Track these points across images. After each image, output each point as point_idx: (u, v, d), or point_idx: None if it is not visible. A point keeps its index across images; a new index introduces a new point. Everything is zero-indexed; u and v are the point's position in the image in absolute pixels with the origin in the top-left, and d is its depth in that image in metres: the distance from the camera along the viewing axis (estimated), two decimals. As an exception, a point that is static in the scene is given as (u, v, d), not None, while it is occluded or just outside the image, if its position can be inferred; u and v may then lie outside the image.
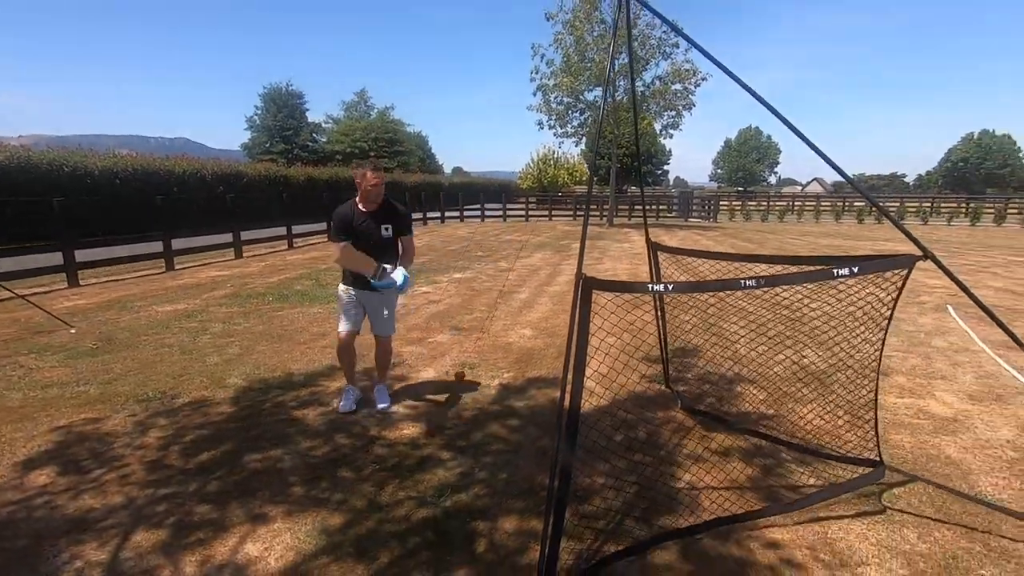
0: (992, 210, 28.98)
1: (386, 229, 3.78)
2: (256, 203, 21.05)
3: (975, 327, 6.25)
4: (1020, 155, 74.87)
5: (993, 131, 75.41)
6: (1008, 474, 3.14)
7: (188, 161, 21.71)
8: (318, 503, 2.83)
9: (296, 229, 15.31)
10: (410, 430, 3.70)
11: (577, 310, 2.13)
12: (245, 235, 13.22)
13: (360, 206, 3.74)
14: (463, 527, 2.63)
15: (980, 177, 73.45)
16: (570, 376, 2.13)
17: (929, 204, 32.54)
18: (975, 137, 76.13)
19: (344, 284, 3.92)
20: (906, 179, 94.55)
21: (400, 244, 3.91)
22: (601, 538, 2.54)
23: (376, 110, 60.06)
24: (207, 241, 12.33)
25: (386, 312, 3.98)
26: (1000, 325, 2.54)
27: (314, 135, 51.58)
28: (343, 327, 3.93)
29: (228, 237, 12.77)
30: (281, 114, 48.22)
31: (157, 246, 10.82)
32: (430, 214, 24.61)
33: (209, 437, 3.57)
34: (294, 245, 14.98)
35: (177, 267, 10.98)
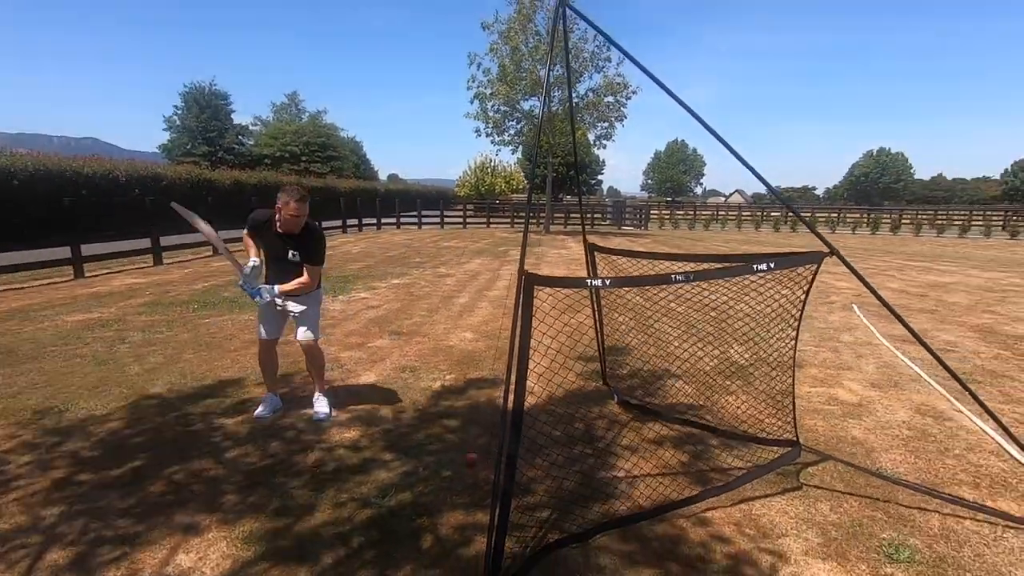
0: (889, 220, 31.92)
1: (293, 255, 3.69)
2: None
3: (876, 323, 6.88)
4: (912, 171, 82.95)
5: (889, 149, 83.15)
6: (904, 451, 3.49)
7: (99, 162, 20.10)
8: (255, 509, 2.73)
9: (222, 235, 14.54)
10: (350, 433, 3.64)
11: (520, 304, 2.20)
12: (165, 241, 12.44)
13: (277, 224, 3.62)
14: (408, 525, 2.62)
15: (879, 190, 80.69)
16: (514, 372, 2.19)
17: (836, 214, 35.44)
18: (874, 154, 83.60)
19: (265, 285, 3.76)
20: (816, 191, 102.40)
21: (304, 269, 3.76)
22: (545, 527, 2.61)
23: (308, 114, 58.34)
24: (122, 247, 11.50)
25: (304, 317, 3.84)
26: (898, 318, 2.84)
27: (240, 137, 49.27)
28: (260, 332, 3.89)
29: (146, 243, 11.97)
30: (204, 115, 45.72)
31: (64, 252, 9.98)
32: (366, 220, 24.11)
33: (131, 449, 3.35)
34: (220, 251, 14.24)
35: (88, 275, 10.16)
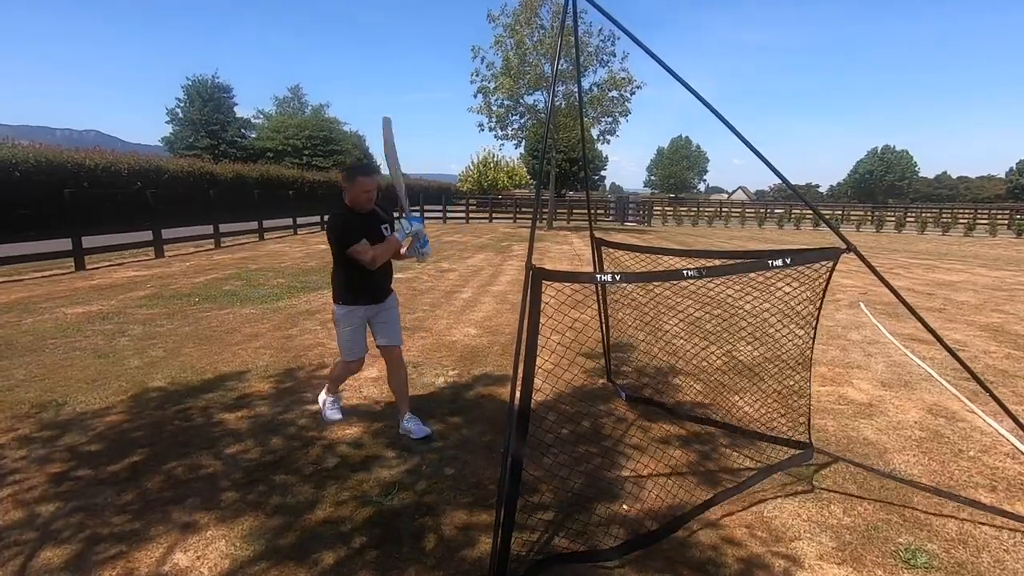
0: (893, 218, 31.74)
1: (385, 229, 3.41)
2: (180, 200, 19.80)
3: (884, 322, 6.80)
4: (916, 169, 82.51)
5: (894, 147, 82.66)
6: (917, 452, 3.42)
7: (101, 154, 20.04)
8: (254, 507, 2.67)
9: (224, 228, 14.52)
10: (352, 430, 3.57)
11: (528, 299, 2.13)
12: (167, 233, 12.40)
13: (357, 211, 3.33)
14: (410, 524, 2.56)
15: (883, 188, 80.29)
16: (521, 366, 2.12)
17: (840, 212, 35.26)
18: (879, 152, 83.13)
19: (347, 305, 3.38)
20: (820, 189, 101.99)
21: None
22: (551, 529, 2.55)
23: (311, 107, 58.15)
24: (124, 239, 11.44)
25: (390, 317, 3.52)
26: (917, 317, 2.76)
27: (243, 131, 49.12)
28: (356, 354, 3.46)
29: (148, 235, 11.92)
30: (207, 108, 45.55)
31: (65, 244, 9.93)
32: (368, 215, 23.99)
33: (128, 444, 3.29)
34: (222, 244, 14.20)
35: (89, 267, 10.12)
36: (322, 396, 3.80)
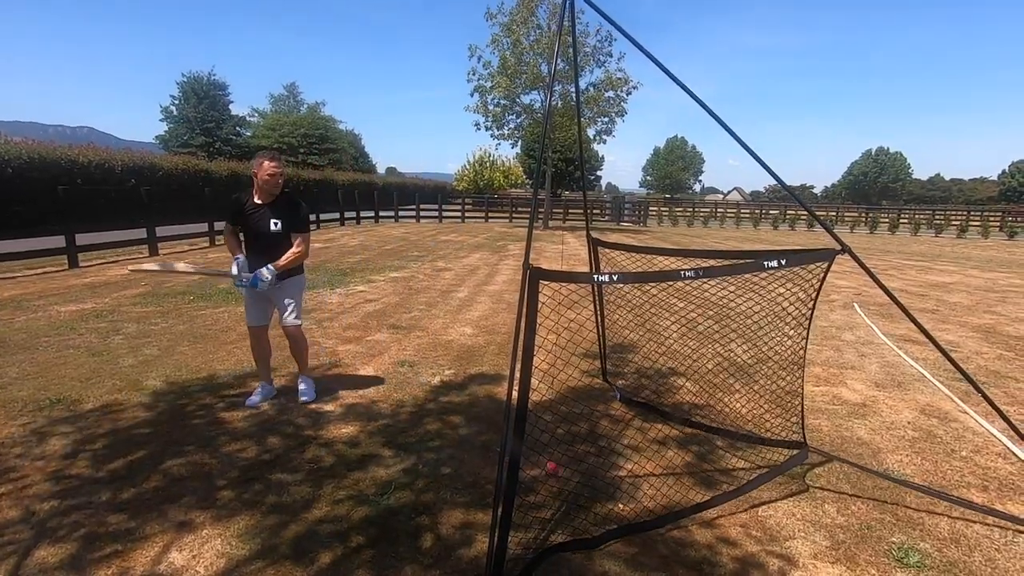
0: (887, 220, 31.92)
1: (275, 224, 3.67)
2: (174, 198, 19.71)
3: (877, 323, 6.84)
4: (910, 171, 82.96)
5: (888, 148, 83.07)
6: (910, 451, 3.45)
7: (94, 151, 19.92)
8: (250, 506, 2.66)
9: (219, 226, 14.42)
10: (348, 429, 3.57)
11: (525, 299, 2.14)
12: (161, 231, 12.34)
13: (255, 197, 3.69)
14: (407, 523, 2.56)
15: (877, 190, 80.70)
16: (518, 365, 2.13)
17: (835, 213, 35.44)
18: (873, 153, 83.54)
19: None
20: (814, 190, 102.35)
21: (292, 240, 3.75)
22: (547, 528, 2.56)
23: (306, 105, 57.97)
24: (118, 237, 11.39)
25: (287, 301, 3.87)
26: (911, 318, 2.78)
27: (238, 128, 48.91)
28: (248, 320, 3.91)
29: (142, 233, 11.86)
30: (202, 105, 45.33)
31: (58, 241, 9.86)
32: (364, 213, 23.98)
33: (123, 443, 3.28)
34: (216, 243, 14.13)
35: (82, 264, 10.06)
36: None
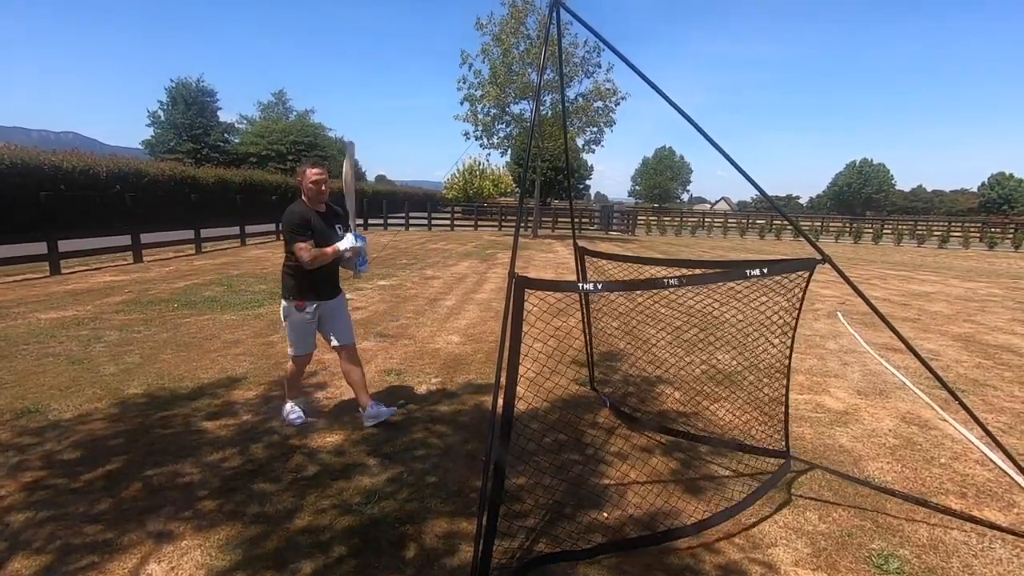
0: (871, 230, 32.42)
1: (339, 228, 3.55)
2: (160, 204, 19.51)
3: (860, 331, 6.94)
4: (893, 182, 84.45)
5: (871, 160, 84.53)
6: (891, 459, 3.49)
7: (79, 156, 19.65)
8: (232, 516, 2.63)
9: (205, 233, 14.31)
10: (333, 438, 3.55)
11: (510, 307, 2.15)
12: (146, 238, 12.17)
13: (310, 206, 3.45)
14: (391, 533, 2.55)
15: (861, 201, 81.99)
16: (503, 375, 2.13)
17: (820, 223, 35.94)
18: (857, 165, 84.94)
19: (294, 299, 3.47)
20: (800, 200, 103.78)
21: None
22: (532, 537, 2.55)
23: (295, 112, 57.83)
24: (101, 243, 11.23)
25: (341, 317, 3.65)
26: (891, 328, 2.83)
27: (226, 135, 48.61)
28: (303, 350, 3.58)
29: (126, 239, 11.71)
30: (190, 111, 45.02)
31: (40, 247, 9.71)
32: (353, 221, 23.86)
33: (102, 452, 3.23)
34: (203, 250, 14.00)
35: (65, 271, 9.91)
36: (286, 408, 3.77)
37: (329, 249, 3.42)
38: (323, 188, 3.43)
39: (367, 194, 37.09)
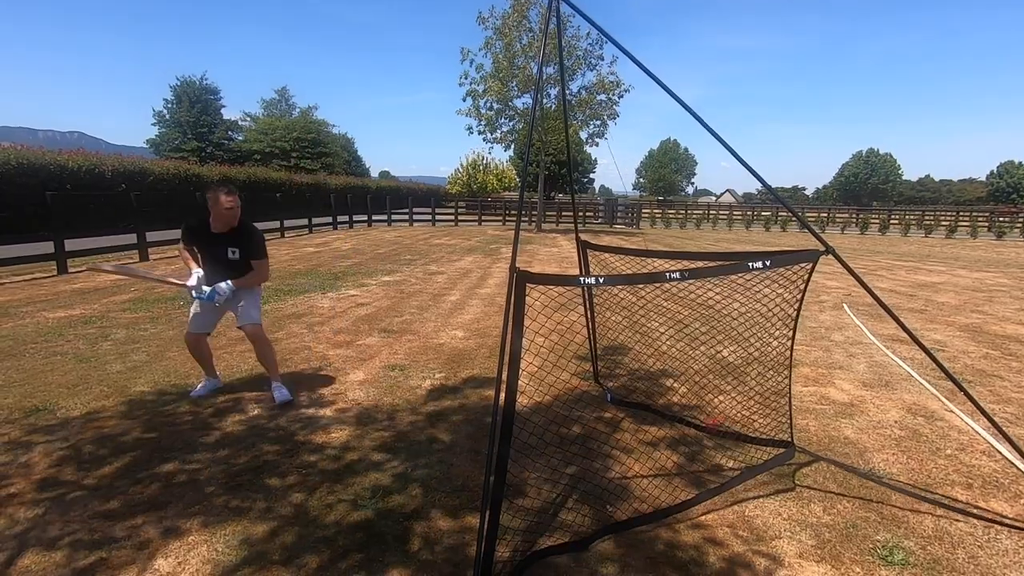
0: (877, 221, 32.20)
1: (232, 252, 3.83)
2: (165, 203, 19.58)
3: (866, 323, 6.90)
4: (900, 172, 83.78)
5: (878, 150, 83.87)
6: (896, 450, 3.48)
7: (84, 156, 19.77)
8: (239, 512, 2.65)
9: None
10: (339, 434, 3.57)
11: (512, 302, 2.15)
12: (152, 236, 12.25)
13: (212, 226, 3.78)
14: (397, 527, 2.56)
15: (867, 191, 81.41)
16: (505, 370, 2.14)
17: (826, 215, 35.71)
18: (863, 155, 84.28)
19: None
20: (806, 192, 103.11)
21: (251, 265, 3.93)
22: (537, 531, 2.56)
23: (298, 109, 57.90)
24: (107, 242, 11.31)
25: (242, 304, 3.93)
26: (894, 318, 2.81)
27: (230, 133, 48.77)
28: (191, 327, 3.96)
29: (132, 238, 11.79)
30: (194, 109, 45.20)
31: (47, 247, 9.78)
32: (357, 217, 23.94)
33: (111, 449, 3.26)
34: (208, 247, 14.05)
35: (71, 270, 9.98)
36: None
37: (185, 263, 3.91)
38: (236, 214, 3.72)
39: (370, 190, 37.15)
